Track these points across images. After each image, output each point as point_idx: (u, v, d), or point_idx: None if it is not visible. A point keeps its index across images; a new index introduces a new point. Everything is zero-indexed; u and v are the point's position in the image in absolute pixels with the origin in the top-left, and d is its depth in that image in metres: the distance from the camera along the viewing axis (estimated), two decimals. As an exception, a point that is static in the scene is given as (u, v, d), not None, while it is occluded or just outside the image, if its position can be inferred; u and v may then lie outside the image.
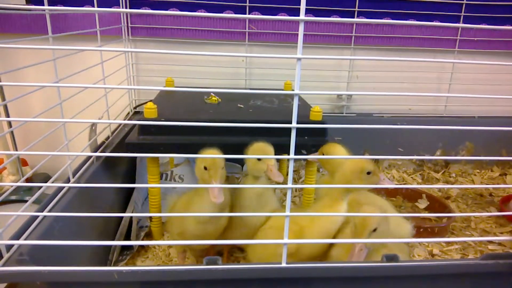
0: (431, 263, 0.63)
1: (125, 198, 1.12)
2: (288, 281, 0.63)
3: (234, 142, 0.93)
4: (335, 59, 1.50)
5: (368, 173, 0.77)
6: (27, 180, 1.35)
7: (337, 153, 0.88)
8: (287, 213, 0.57)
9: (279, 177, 0.77)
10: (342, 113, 1.53)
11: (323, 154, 0.90)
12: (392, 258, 0.61)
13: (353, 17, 1.40)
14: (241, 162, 1.42)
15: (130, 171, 1.20)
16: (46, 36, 0.78)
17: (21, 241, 0.62)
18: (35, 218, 0.70)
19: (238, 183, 1.27)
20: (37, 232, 0.67)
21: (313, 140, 0.94)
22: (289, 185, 0.55)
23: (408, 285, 0.67)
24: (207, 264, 0.58)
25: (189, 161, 1.28)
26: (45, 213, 0.71)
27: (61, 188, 0.82)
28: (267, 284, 0.63)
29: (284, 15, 1.38)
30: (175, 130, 0.93)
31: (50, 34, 0.79)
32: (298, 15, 0.47)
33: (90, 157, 0.98)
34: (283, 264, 0.59)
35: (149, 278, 0.58)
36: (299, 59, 0.48)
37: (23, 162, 1.41)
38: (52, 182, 0.78)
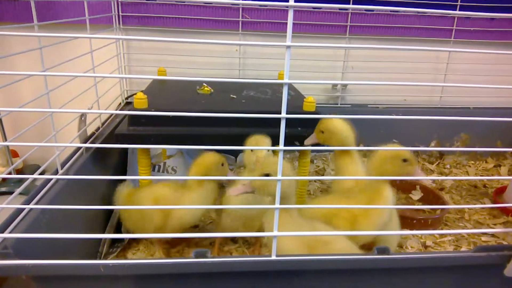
0: (423, 256, 0.63)
1: (116, 189, 1.11)
2: (278, 273, 0.62)
3: (226, 133, 0.91)
4: (330, 49, 1.48)
5: (404, 160, 0.75)
6: (18, 172, 1.34)
7: (336, 125, 0.88)
8: (277, 205, 0.56)
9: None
10: (337, 104, 1.51)
11: (322, 132, 0.89)
12: (383, 250, 0.60)
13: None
14: (234, 153, 1.41)
15: (121, 163, 1.18)
16: (32, 24, 0.76)
17: (5, 235, 0.61)
18: (21, 210, 0.68)
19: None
20: (23, 225, 0.66)
21: (306, 131, 0.93)
22: (279, 177, 0.54)
23: (401, 277, 0.66)
24: (196, 257, 0.57)
25: (182, 152, 1.26)
26: (31, 206, 0.70)
27: (49, 179, 0.80)
28: (258, 277, 0.62)
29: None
30: (166, 121, 0.91)
31: (36, 22, 0.76)
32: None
33: (79, 148, 0.96)
34: (273, 257, 0.58)
35: (136, 271, 0.57)
36: (288, 47, 0.47)
37: (14, 154, 1.39)
38: (41, 174, 0.77)
